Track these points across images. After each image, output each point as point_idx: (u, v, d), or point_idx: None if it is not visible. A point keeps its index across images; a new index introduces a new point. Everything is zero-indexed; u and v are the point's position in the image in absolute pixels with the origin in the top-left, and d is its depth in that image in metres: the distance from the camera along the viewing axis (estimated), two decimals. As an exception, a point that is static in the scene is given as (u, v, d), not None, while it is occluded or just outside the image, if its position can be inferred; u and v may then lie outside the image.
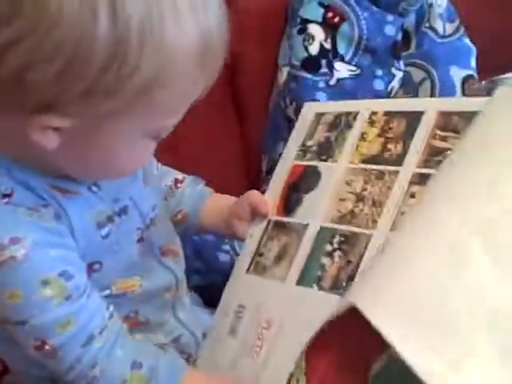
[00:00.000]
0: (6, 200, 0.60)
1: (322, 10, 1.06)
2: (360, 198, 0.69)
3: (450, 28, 1.12)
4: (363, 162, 0.71)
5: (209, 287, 0.96)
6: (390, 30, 1.08)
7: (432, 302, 0.49)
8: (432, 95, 1.08)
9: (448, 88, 1.08)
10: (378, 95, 1.07)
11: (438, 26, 1.11)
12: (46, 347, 0.62)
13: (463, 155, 0.60)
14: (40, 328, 0.61)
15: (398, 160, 0.69)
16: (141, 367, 0.65)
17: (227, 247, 0.98)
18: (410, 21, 1.10)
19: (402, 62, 1.09)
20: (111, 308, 0.66)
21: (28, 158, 0.61)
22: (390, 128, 0.72)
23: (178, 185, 0.82)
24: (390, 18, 1.08)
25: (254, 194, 0.79)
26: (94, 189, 0.66)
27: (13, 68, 0.53)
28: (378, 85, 1.07)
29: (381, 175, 0.69)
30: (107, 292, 0.68)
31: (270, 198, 0.78)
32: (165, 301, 0.74)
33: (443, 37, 1.12)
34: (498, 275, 0.49)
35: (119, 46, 0.52)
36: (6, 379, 0.77)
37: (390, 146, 0.71)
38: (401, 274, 0.52)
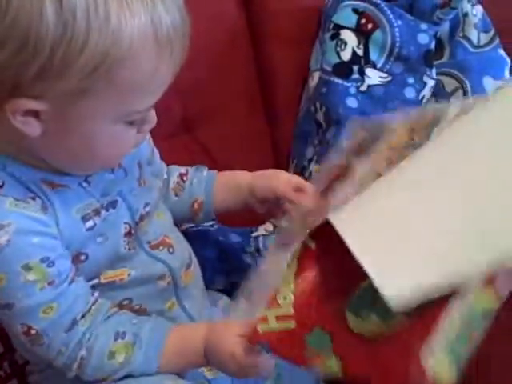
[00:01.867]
0: None
1: (355, 17, 1.06)
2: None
3: (484, 38, 1.11)
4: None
5: (234, 289, 0.97)
6: (423, 39, 1.07)
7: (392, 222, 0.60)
8: (464, 105, 1.07)
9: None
10: (408, 103, 1.06)
11: (473, 35, 1.10)
12: (32, 331, 0.65)
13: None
14: (25, 312, 0.65)
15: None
16: (124, 336, 0.68)
17: (252, 249, 0.98)
18: (443, 29, 1.10)
19: (434, 71, 1.08)
20: (96, 294, 0.69)
21: (22, 154, 0.65)
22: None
23: (184, 178, 0.85)
24: (423, 26, 1.07)
25: (284, 182, 0.80)
26: (84, 184, 0.70)
27: None
28: (409, 93, 1.07)
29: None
30: (95, 281, 0.71)
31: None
32: (161, 288, 0.75)
33: (477, 47, 1.10)
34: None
35: (67, 27, 0.56)
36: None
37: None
38: (370, 202, 0.63)
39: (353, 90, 1.05)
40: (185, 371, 0.73)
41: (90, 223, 0.69)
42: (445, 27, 1.10)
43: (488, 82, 1.08)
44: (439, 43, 1.10)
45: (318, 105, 1.06)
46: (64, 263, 0.67)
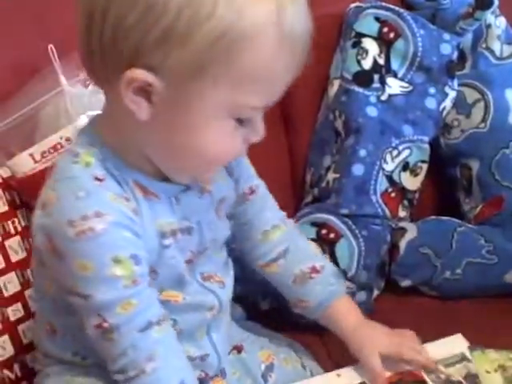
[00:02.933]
0: (98, 182, 0.64)
1: (377, 25, 1.06)
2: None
3: (507, 50, 1.10)
4: None
5: (248, 297, 0.96)
6: (445, 49, 1.06)
7: None
8: (485, 117, 1.05)
9: (502, 110, 1.06)
10: (429, 114, 1.05)
11: (496, 47, 1.09)
12: (105, 325, 0.64)
13: None
14: (102, 304, 0.63)
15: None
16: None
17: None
18: (466, 40, 1.09)
19: (456, 82, 1.07)
20: (164, 311, 0.67)
21: (123, 147, 0.65)
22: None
23: (313, 275, 0.82)
24: (446, 36, 1.06)
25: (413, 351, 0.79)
26: (174, 200, 0.69)
27: (111, 22, 0.58)
28: (430, 103, 1.06)
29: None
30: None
31: None
32: (205, 318, 0.75)
33: (500, 58, 1.09)
34: None
35: None
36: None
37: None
38: None
39: (373, 99, 1.04)
40: None
41: (166, 241, 0.68)
42: (467, 38, 1.09)
43: (510, 95, 1.07)
44: (461, 54, 1.09)
45: (337, 113, 1.05)
46: (146, 267, 0.66)
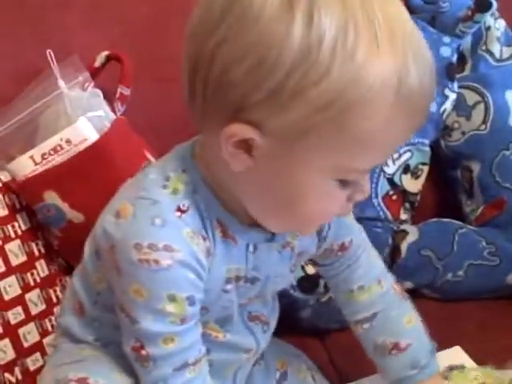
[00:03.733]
0: (179, 214, 0.61)
1: (377, 28, 1.06)
2: None
3: (507, 52, 1.10)
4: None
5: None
6: (445, 51, 1.06)
7: None
8: (485, 119, 1.06)
9: (502, 112, 1.06)
10: (430, 116, 1.05)
11: (495, 49, 1.10)
12: (143, 352, 0.62)
13: None
14: (145, 333, 0.62)
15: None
16: None
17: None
18: (466, 43, 1.09)
19: (456, 84, 1.08)
20: (203, 348, 0.66)
21: (218, 188, 0.62)
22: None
23: (394, 351, 0.76)
24: (446, 39, 1.06)
25: None
26: (251, 249, 0.66)
27: (216, 73, 0.55)
28: (431, 106, 1.05)
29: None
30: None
31: None
32: (239, 359, 0.73)
33: (500, 60, 1.10)
34: None
35: (310, 53, 0.52)
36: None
37: None
38: None
39: (373, 102, 1.04)
40: None
41: (228, 286, 0.66)
42: (467, 40, 1.09)
43: (510, 96, 1.07)
44: (461, 56, 1.09)
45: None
46: (199, 306, 0.63)
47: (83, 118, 0.86)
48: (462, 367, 0.82)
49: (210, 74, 0.55)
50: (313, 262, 0.80)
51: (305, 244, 0.71)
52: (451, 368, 0.82)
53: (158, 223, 0.59)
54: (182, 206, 0.61)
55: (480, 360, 0.85)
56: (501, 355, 0.84)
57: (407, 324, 0.78)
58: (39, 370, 0.84)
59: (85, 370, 0.66)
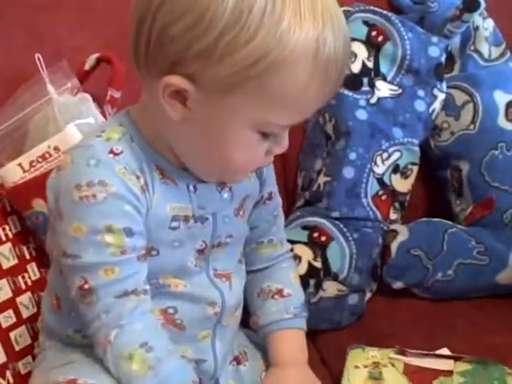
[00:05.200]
0: (112, 155, 0.68)
1: (366, 29, 1.06)
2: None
3: (495, 51, 1.11)
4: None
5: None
6: (434, 52, 1.07)
7: None
8: (474, 118, 1.06)
9: (491, 112, 1.06)
10: (419, 116, 1.06)
11: (484, 49, 1.10)
12: (86, 286, 0.67)
13: None
14: (88, 266, 0.67)
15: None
16: (149, 351, 0.67)
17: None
18: (454, 43, 1.10)
19: (444, 84, 1.08)
20: (148, 287, 0.69)
21: (154, 135, 0.69)
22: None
23: (276, 296, 0.83)
24: (434, 39, 1.07)
25: None
26: (191, 189, 0.72)
27: (158, 28, 0.62)
28: (420, 106, 1.06)
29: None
30: (154, 281, 0.72)
31: None
32: (206, 314, 0.75)
33: (488, 60, 1.10)
34: None
35: (241, 17, 0.59)
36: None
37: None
38: None
39: (363, 103, 1.04)
40: None
41: (175, 224, 0.71)
42: (456, 40, 1.10)
43: (499, 96, 1.07)
44: (450, 56, 1.10)
45: (327, 116, 1.06)
46: (140, 241, 0.68)
47: (72, 125, 0.86)
48: (363, 347, 0.86)
49: (153, 29, 0.62)
50: None
51: (247, 188, 0.78)
52: (352, 347, 0.87)
53: (93, 163, 0.66)
54: (115, 150, 0.68)
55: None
56: (490, 354, 0.85)
57: (293, 278, 0.86)
58: (31, 373, 0.84)
59: (73, 372, 0.69)
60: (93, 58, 0.93)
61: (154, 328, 0.69)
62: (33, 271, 0.89)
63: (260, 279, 0.84)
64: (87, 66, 0.93)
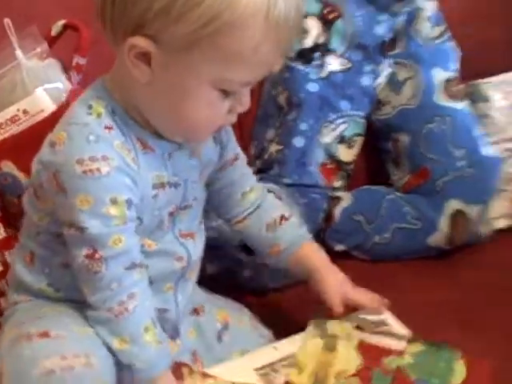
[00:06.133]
0: (107, 131, 0.72)
1: (319, 5, 1.12)
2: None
3: (436, 31, 1.18)
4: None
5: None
6: (381, 29, 1.13)
7: None
8: (414, 94, 1.14)
9: (429, 88, 1.14)
10: (365, 90, 1.13)
11: (426, 28, 1.17)
12: (96, 255, 0.71)
13: None
14: (96, 237, 0.71)
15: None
16: (156, 327, 0.74)
17: (214, 224, 1.03)
18: (400, 22, 1.16)
19: (388, 61, 1.15)
20: (142, 256, 0.75)
21: (130, 104, 0.74)
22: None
23: (283, 221, 0.90)
24: (382, 17, 1.13)
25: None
26: (166, 156, 0.77)
27: None
28: (366, 80, 1.13)
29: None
30: None
31: None
32: (173, 268, 0.81)
33: (429, 39, 1.17)
34: None
35: None
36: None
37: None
38: None
39: (314, 76, 1.10)
40: None
41: (155, 192, 0.76)
42: (401, 20, 1.16)
43: (437, 73, 1.15)
44: (395, 34, 1.16)
45: (280, 89, 1.12)
46: (135, 212, 0.73)
47: (40, 88, 0.89)
48: (324, 320, 0.89)
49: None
50: (209, 180, 0.88)
51: (209, 154, 0.84)
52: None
53: (93, 139, 0.71)
54: (108, 125, 0.72)
55: (405, 313, 0.92)
56: (418, 311, 0.93)
57: (281, 203, 0.95)
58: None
59: (45, 324, 0.74)
60: (59, 24, 0.95)
61: (152, 301, 0.76)
62: (-1, 231, 0.92)
63: (260, 219, 0.90)
64: (53, 32, 0.95)
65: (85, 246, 0.71)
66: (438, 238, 1.10)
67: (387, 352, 0.83)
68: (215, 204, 0.91)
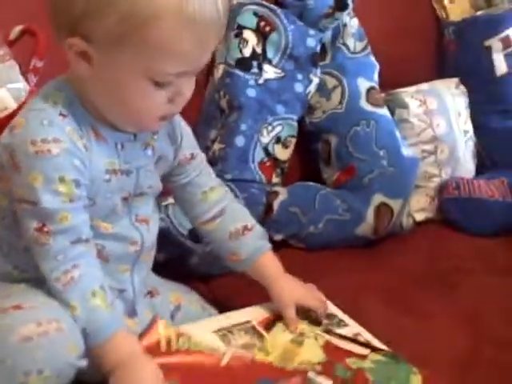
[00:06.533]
0: (61, 118, 0.79)
1: (255, 19, 1.23)
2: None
3: (359, 46, 1.32)
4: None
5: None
6: (311, 42, 1.26)
7: None
8: (342, 100, 1.27)
9: (355, 95, 1.27)
10: (297, 96, 1.25)
11: (350, 43, 1.31)
12: (45, 229, 0.77)
13: None
14: (44, 212, 0.77)
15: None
16: (105, 291, 0.79)
17: (162, 215, 1.11)
18: (327, 36, 1.29)
19: (318, 71, 1.27)
20: (91, 233, 0.80)
21: (83, 96, 0.80)
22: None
23: (245, 232, 0.95)
24: (311, 32, 1.26)
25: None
26: (119, 146, 0.84)
27: None
28: (298, 87, 1.25)
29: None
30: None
31: None
32: (128, 251, 0.87)
33: (353, 53, 1.31)
34: None
35: None
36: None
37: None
38: None
39: (252, 82, 1.21)
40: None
41: (107, 176, 0.82)
42: (328, 34, 1.29)
43: (361, 82, 1.29)
44: (323, 47, 1.29)
45: (222, 93, 1.22)
46: (84, 192, 0.79)
47: (3, 89, 0.95)
48: None
49: (53, 1, 0.76)
50: (170, 175, 0.94)
51: (163, 149, 0.89)
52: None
53: (46, 123, 0.77)
54: (63, 112, 0.79)
55: (337, 296, 1.00)
56: (346, 291, 1.02)
57: (246, 212, 0.99)
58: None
59: (16, 299, 0.78)
60: (17, 29, 1.02)
61: (101, 271, 0.80)
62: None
63: (223, 226, 0.95)
64: (12, 37, 1.02)
65: (35, 219, 0.77)
66: (365, 228, 1.21)
67: (350, 353, 0.89)
68: (181, 201, 0.97)
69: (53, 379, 0.72)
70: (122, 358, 0.76)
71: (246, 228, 0.95)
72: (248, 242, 0.95)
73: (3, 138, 0.80)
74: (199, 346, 0.85)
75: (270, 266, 0.95)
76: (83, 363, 0.76)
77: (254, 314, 0.94)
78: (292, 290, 0.93)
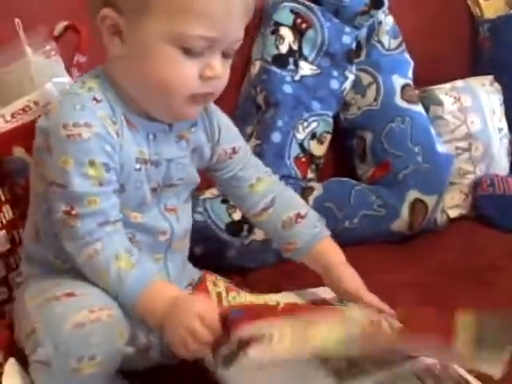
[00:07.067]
0: (94, 102, 0.80)
1: (292, 16, 1.25)
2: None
3: (394, 43, 1.33)
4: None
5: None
6: (346, 39, 1.27)
7: None
8: (377, 96, 1.28)
9: (390, 92, 1.28)
10: (333, 93, 1.26)
11: (385, 40, 1.32)
12: (73, 212, 0.78)
13: None
14: (73, 195, 0.78)
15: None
16: (131, 255, 0.79)
17: (201, 209, 1.14)
18: (362, 34, 1.30)
19: (354, 67, 1.29)
20: (121, 215, 0.81)
21: (116, 84, 0.81)
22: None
23: (299, 220, 0.93)
24: (347, 29, 1.27)
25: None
26: (151, 137, 0.84)
27: None
28: (334, 84, 1.26)
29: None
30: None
31: None
32: (158, 241, 0.87)
33: (388, 50, 1.32)
34: None
35: None
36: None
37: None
38: None
39: (288, 79, 1.23)
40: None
41: (137, 165, 0.82)
42: (363, 32, 1.30)
43: (396, 79, 1.30)
44: (358, 45, 1.30)
45: (258, 89, 1.23)
46: (114, 176, 0.80)
47: (50, 83, 0.97)
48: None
49: None
50: (212, 170, 0.94)
51: (199, 140, 0.88)
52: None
53: (78, 108, 0.78)
54: (96, 98, 0.80)
55: (372, 292, 0.94)
56: (382, 290, 0.97)
57: (299, 199, 0.97)
58: (6, 301, 0.96)
59: (67, 287, 0.79)
60: (61, 26, 1.05)
61: (128, 241, 0.81)
62: (7, 212, 0.98)
63: (275, 215, 0.93)
64: (56, 33, 1.04)
65: (64, 202, 0.78)
66: (400, 224, 1.22)
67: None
68: (229, 195, 0.97)
69: (103, 365, 0.73)
70: (169, 303, 0.75)
71: (299, 215, 0.93)
72: (303, 229, 0.93)
73: (40, 122, 0.82)
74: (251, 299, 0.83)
75: (328, 253, 0.92)
76: (129, 349, 0.78)
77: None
78: (357, 277, 0.90)
